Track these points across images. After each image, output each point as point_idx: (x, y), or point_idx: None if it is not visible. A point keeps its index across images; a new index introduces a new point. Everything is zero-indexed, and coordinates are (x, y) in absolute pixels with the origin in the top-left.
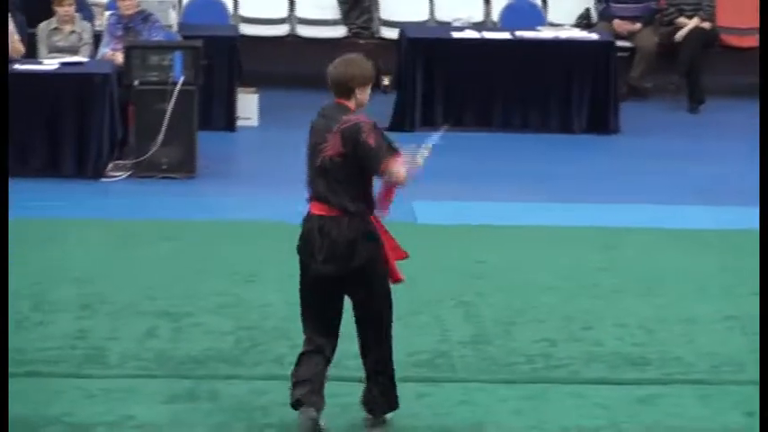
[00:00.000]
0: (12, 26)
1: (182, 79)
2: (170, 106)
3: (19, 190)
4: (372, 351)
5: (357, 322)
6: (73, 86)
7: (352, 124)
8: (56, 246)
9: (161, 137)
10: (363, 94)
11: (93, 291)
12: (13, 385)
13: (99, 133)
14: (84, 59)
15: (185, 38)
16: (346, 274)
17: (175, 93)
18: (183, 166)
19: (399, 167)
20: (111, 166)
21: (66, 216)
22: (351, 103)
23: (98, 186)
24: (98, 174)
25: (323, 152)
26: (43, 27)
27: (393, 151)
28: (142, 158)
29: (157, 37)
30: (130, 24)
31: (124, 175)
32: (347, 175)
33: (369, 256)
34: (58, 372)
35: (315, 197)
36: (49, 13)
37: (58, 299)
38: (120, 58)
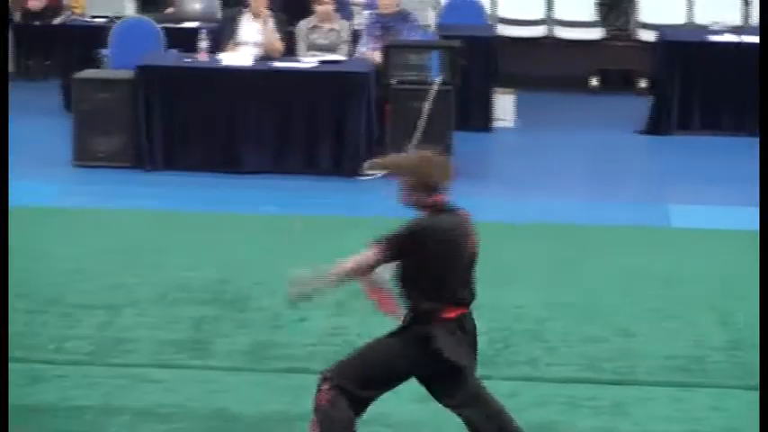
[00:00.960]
0: (271, 24)
1: (439, 79)
2: (427, 106)
3: (277, 188)
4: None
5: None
6: (331, 84)
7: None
8: (311, 242)
9: (417, 136)
10: None
11: (350, 288)
12: (273, 381)
13: (356, 131)
14: (343, 58)
15: (443, 38)
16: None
17: (433, 92)
18: None
19: None
20: (367, 164)
21: (323, 213)
22: None
23: (354, 184)
24: (354, 172)
25: (470, 251)
26: (302, 25)
27: None
28: None
29: (415, 37)
30: (389, 23)
31: (380, 173)
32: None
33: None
34: (313, 368)
35: (460, 302)
36: (308, 12)
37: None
38: (378, 56)
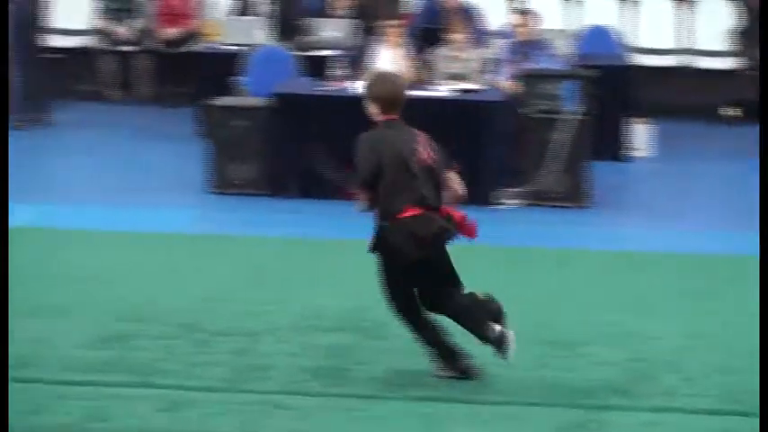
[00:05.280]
0: (405, 53)
1: (574, 108)
2: (562, 135)
3: None
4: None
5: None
6: (465, 113)
7: (427, 137)
8: None
9: (552, 165)
10: None
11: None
12: (412, 408)
13: (490, 160)
14: (477, 86)
15: (579, 67)
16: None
17: (567, 122)
18: (574, 195)
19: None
20: (501, 193)
21: (458, 243)
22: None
23: (489, 213)
24: (488, 200)
25: (419, 160)
26: (437, 53)
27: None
28: (533, 187)
29: (550, 65)
30: (524, 50)
31: (515, 202)
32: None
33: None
34: (453, 397)
35: (413, 202)
36: (441, 40)
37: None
38: (512, 85)
